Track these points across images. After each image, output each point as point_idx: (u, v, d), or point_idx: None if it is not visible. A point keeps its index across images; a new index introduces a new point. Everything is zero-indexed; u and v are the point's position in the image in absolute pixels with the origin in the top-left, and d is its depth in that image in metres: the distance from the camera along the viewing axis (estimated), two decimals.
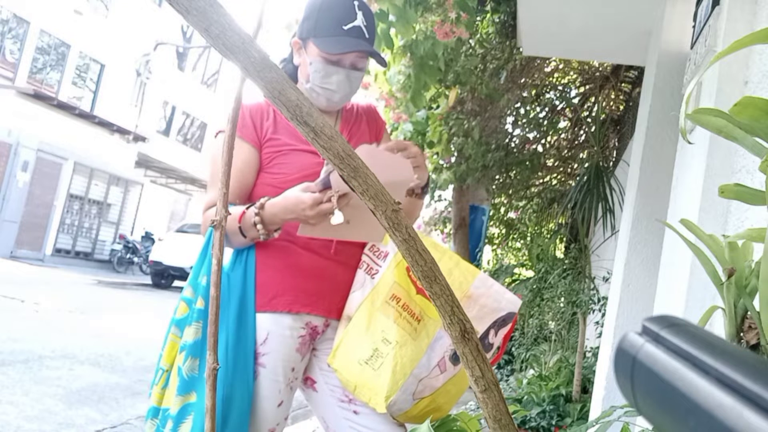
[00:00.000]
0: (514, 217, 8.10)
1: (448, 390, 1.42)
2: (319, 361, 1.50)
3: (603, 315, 3.52)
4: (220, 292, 1.21)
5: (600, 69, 5.71)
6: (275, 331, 1.40)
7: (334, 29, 1.41)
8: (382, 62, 1.49)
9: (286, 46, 1.56)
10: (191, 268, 1.41)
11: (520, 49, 4.34)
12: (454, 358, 1.40)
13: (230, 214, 1.25)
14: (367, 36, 1.44)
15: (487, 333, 1.43)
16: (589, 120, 5.53)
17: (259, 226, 1.33)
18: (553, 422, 3.64)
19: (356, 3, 1.43)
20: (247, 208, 1.35)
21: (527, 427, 3.66)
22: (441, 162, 6.17)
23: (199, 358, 1.34)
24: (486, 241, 8.11)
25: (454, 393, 1.44)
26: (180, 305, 1.39)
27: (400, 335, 1.37)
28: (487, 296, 1.44)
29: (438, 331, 1.40)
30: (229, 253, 1.44)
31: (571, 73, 6.27)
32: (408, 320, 1.39)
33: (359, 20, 1.43)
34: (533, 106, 6.20)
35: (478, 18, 4.74)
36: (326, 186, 1.27)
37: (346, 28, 1.41)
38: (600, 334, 3.77)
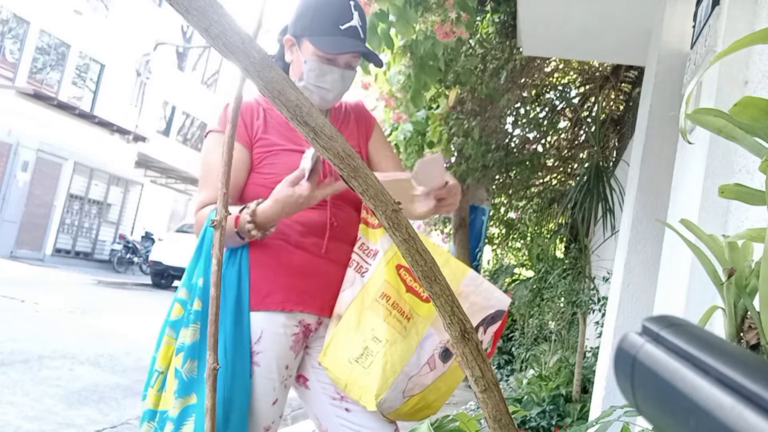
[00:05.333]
0: (514, 217, 8.10)
1: (438, 387, 1.42)
2: (312, 358, 1.51)
3: (603, 315, 3.52)
4: None
5: (600, 69, 5.71)
6: (269, 330, 1.41)
7: (330, 28, 1.41)
8: (379, 63, 1.50)
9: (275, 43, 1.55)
10: None
11: (520, 49, 4.34)
12: (444, 356, 1.41)
13: (230, 214, 1.25)
14: (362, 36, 1.45)
15: (476, 331, 1.44)
16: (589, 120, 5.52)
17: (254, 232, 1.34)
18: (553, 422, 3.63)
19: (352, 3, 1.44)
20: (240, 212, 1.36)
21: (527, 427, 3.66)
22: None
23: (198, 359, 1.33)
24: (486, 241, 8.11)
25: (445, 390, 1.44)
26: (174, 307, 1.39)
27: (390, 333, 1.37)
28: (476, 294, 1.44)
29: (428, 329, 1.41)
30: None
31: (571, 73, 6.27)
32: (398, 318, 1.40)
33: (355, 20, 1.43)
34: (533, 106, 6.20)
35: (478, 18, 4.74)
36: (314, 172, 1.30)
37: (342, 27, 1.42)
38: (600, 334, 3.77)
